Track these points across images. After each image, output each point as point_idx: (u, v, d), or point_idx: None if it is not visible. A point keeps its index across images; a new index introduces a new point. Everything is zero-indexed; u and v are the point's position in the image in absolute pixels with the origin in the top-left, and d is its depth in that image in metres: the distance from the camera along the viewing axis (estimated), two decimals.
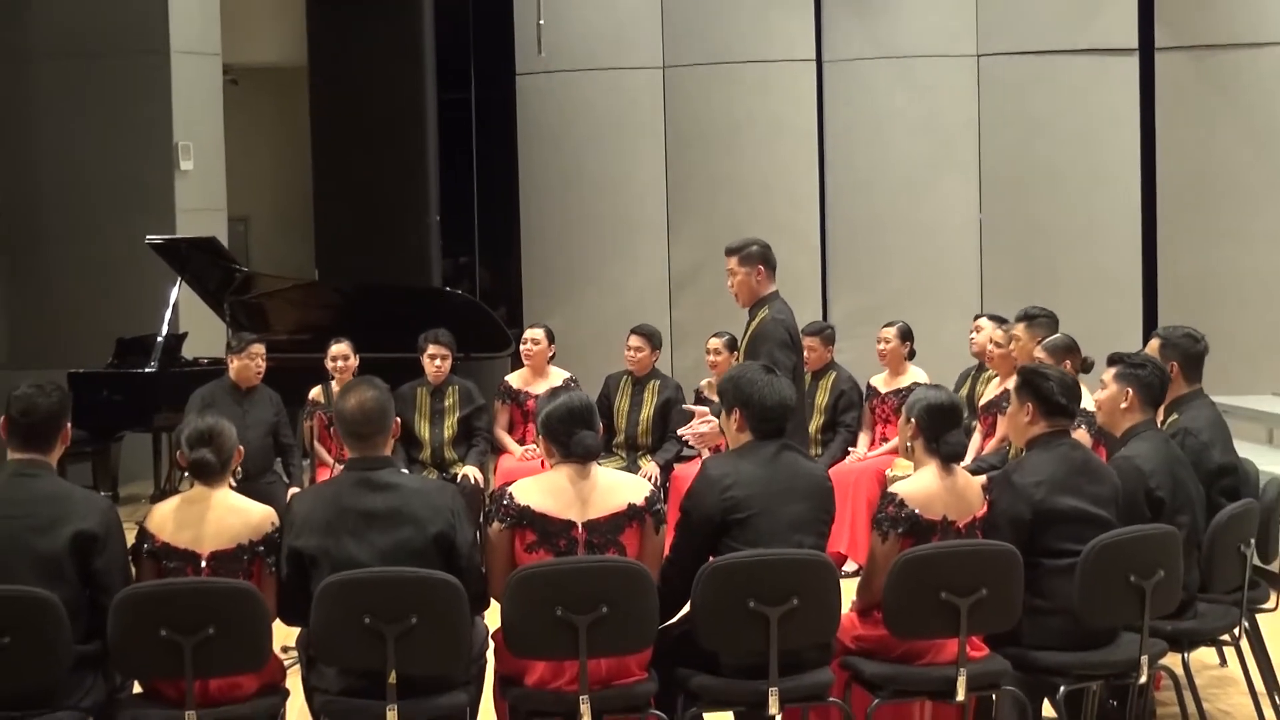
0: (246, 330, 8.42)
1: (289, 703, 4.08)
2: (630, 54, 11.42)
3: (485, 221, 12.49)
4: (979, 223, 11.20)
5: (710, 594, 3.89)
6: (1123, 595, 4.18)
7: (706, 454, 6.01)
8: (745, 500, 4.02)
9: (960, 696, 4.03)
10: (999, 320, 7.21)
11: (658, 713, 3.96)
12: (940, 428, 4.20)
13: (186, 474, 4.11)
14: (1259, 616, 5.11)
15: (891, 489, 4.23)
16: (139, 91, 10.62)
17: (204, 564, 3.91)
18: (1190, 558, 4.53)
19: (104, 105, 10.63)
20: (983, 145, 11.14)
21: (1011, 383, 4.89)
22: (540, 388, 7.63)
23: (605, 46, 11.42)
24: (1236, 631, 4.79)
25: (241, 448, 4.14)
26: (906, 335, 7.76)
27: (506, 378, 8.10)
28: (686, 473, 7.07)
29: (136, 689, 4.03)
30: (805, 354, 6.34)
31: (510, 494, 3.98)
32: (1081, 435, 5.39)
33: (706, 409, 5.61)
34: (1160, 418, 4.94)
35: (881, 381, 7.81)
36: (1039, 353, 6.06)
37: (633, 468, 7.59)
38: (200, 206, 10.87)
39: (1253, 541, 4.79)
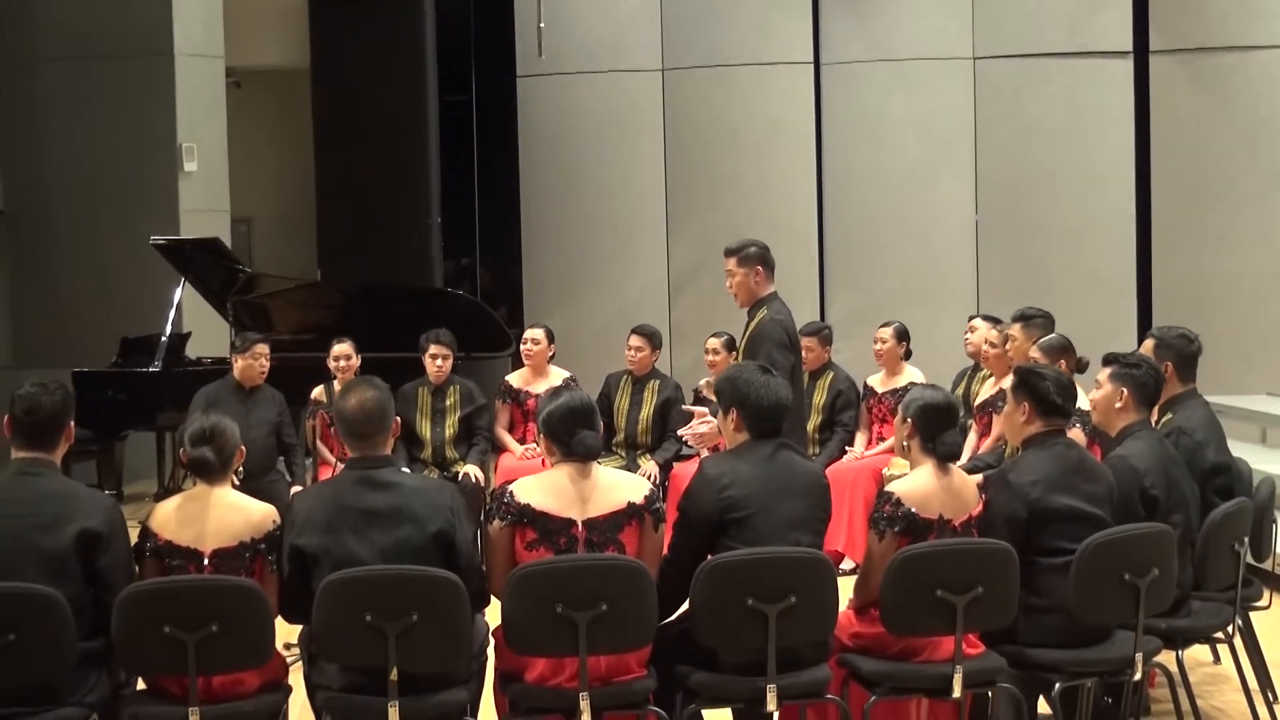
0: (250, 330, 8.41)
1: (291, 699, 4.08)
2: (630, 56, 11.41)
3: (486, 222, 12.49)
4: (975, 223, 11.20)
5: (709, 592, 3.89)
6: (1117, 593, 4.18)
7: (706, 453, 6.00)
8: (743, 500, 4.02)
9: (956, 693, 4.03)
10: (993, 320, 7.21)
11: (657, 709, 3.96)
12: (936, 427, 4.20)
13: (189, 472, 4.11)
14: (1252, 614, 5.12)
15: (888, 488, 4.23)
16: (143, 94, 10.62)
17: (206, 562, 3.91)
18: (1184, 556, 4.53)
19: (108, 107, 10.64)
20: (979, 147, 11.14)
21: (1007, 382, 4.89)
22: (540, 387, 7.64)
23: (605, 49, 11.42)
24: (1230, 629, 4.80)
25: (243, 447, 4.14)
26: (903, 335, 7.76)
27: (507, 377, 8.10)
28: (685, 471, 7.07)
29: (140, 685, 4.02)
30: (803, 354, 6.34)
31: (511, 492, 3.98)
32: (1077, 434, 5.39)
33: (705, 409, 5.60)
34: (1155, 417, 4.94)
35: (878, 381, 7.82)
36: (1034, 352, 6.06)
37: (632, 466, 7.59)
38: (204, 207, 10.87)
39: (1246, 540, 4.80)
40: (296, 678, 4.14)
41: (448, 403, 7.61)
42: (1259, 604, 5.07)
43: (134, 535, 4.01)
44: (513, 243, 11.84)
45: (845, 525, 7.26)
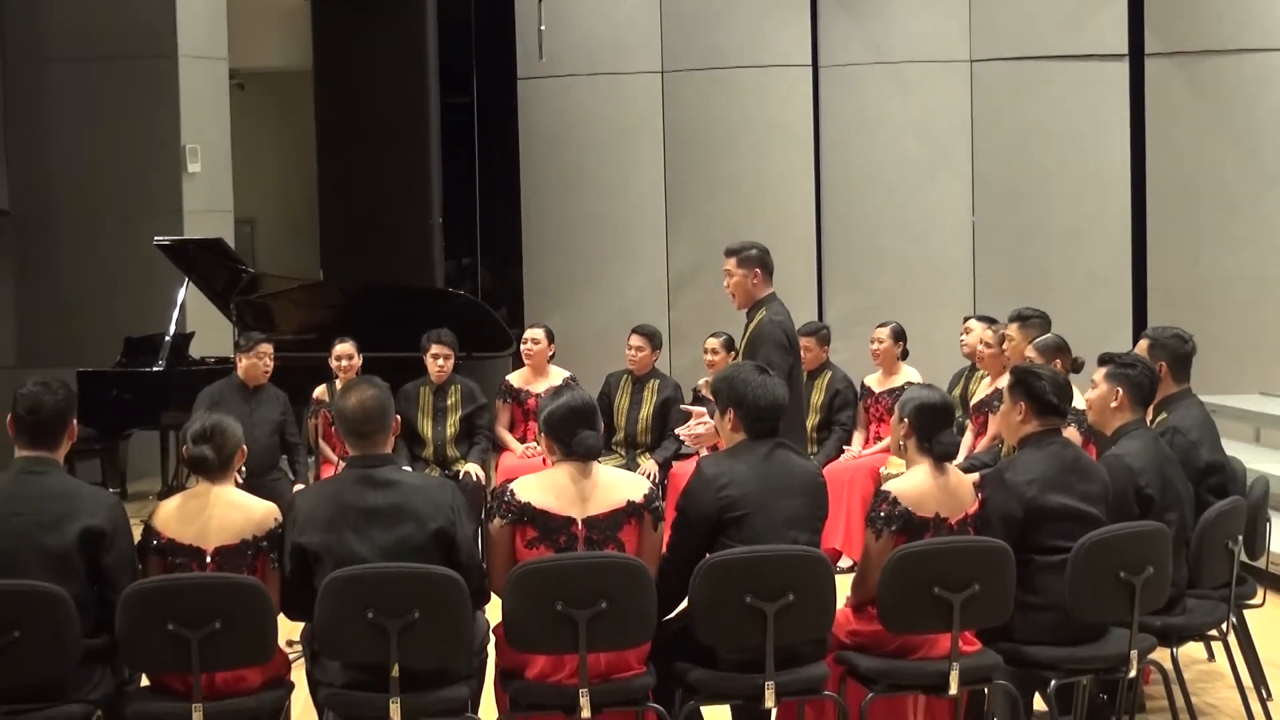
0: (253, 330, 8.41)
1: (294, 696, 4.08)
2: (630, 59, 11.41)
3: (487, 223, 12.49)
4: (972, 225, 11.20)
5: (708, 590, 3.89)
6: (1112, 591, 4.17)
7: (704, 452, 6.00)
8: (741, 499, 4.02)
9: (953, 690, 4.03)
10: (989, 321, 7.22)
11: (656, 706, 3.96)
12: (932, 427, 4.20)
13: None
14: (1246, 612, 5.13)
15: (884, 487, 4.23)
16: (147, 95, 10.63)
17: (209, 559, 3.91)
18: (1179, 554, 4.53)
19: (113, 109, 10.64)
20: (976, 148, 11.14)
21: (1003, 382, 4.89)
22: (541, 387, 7.64)
23: (605, 52, 11.42)
24: (1224, 627, 4.80)
25: (245, 447, 4.13)
26: (900, 335, 7.76)
27: (508, 377, 8.10)
28: (685, 470, 7.07)
29: (144, 682, 4.02)
30: (802, 354, 6.34)
31: (511, 491, 3.98)
32: (1072, 434, 5.39)
33: (703, 408, 5.60)
34: (1149, 417, 4.94)
35: (875, 381, 7.82)
36: (1030, 352, 6.06)
37: (632, 465, 7.59)
38: (207, 208, 10.87)
39: (1240, 538, 4.80)
40: (299, 674, 4.13)
41: (449, 402, 7.61)
42: (1253, 602, 5.07)
43: (137, 533, 4.01)
44: (513, 243, 11.84)
45: (843, 524, 7.26)
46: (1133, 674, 4.29)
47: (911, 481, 4.18)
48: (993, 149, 11.10)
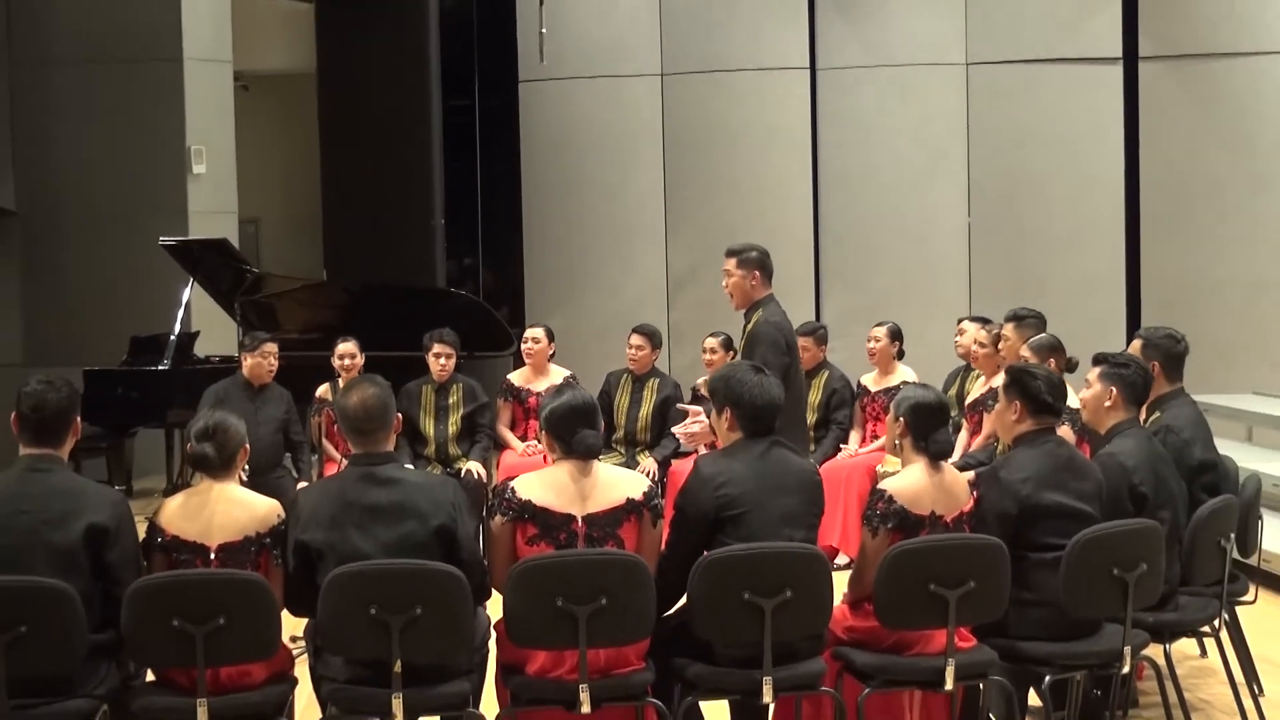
0: (257, 329, 8.41)
1: (297, 691, 4.09)
2: (630, 62, 11.41)
3: (489, 224, 12.48)
4: (967, 226, 11.20)
5: (706, 586, 3.90)
6: (1106, 588, 4.18)
7: (703, 450, 6.01)
8: (738, 497, 4.02)
9: (949, 686, 4.03)
10: (982, 321, 7.22)
11: (655, 701, 3.96)
12: (927, 426, 4.20)
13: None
14: (1238, 609, 5.13)
15: (880, 485, 4.23)
16: (153, 97, 10.62)
17: (213, 556, 3.91)
18: (1172, 551, 4.53)
19: (118, 110, 10.63)
20: (971, 151, 11.14)
21: (997, 381, 4.89)
22: (541, 385, 7.64)
23: (605, 55, 11.42)
24: (1216, 623, 4.80)
25: (248, 445, 4.13)
26: (896, 335, 7.77)
27: (509, 376, 8.10)
28: (684, 468, 7.07)
29: (149, 677, 4.03)
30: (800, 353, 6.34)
31: (512, 488, 3.98)
32: (1066, 432, 5.39)
33: (700, 407, 5.61)
34: (1143, 416, 4.94)
35: (871, 380, 7.82)
36: (1025, 351, 6.07)
37: (631, 463, 7.59)
38: (212, 209, 10.87)
39: (1232, 536, 4.81)
40: (302, 670, 4.14)
41: (451, 400, 7.61)
42: (1245, 599, 5.07)
43: (142, 530, 4.01)
44: (514, 244, 11.84)
45: (840, 521, 7.27)
46: (1126, 670, 4.30)
47: (907, 480, 4.19)
48: (988, 151, 11.11)
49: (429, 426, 7.56)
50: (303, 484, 7.13)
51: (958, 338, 7.43)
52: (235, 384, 7.45)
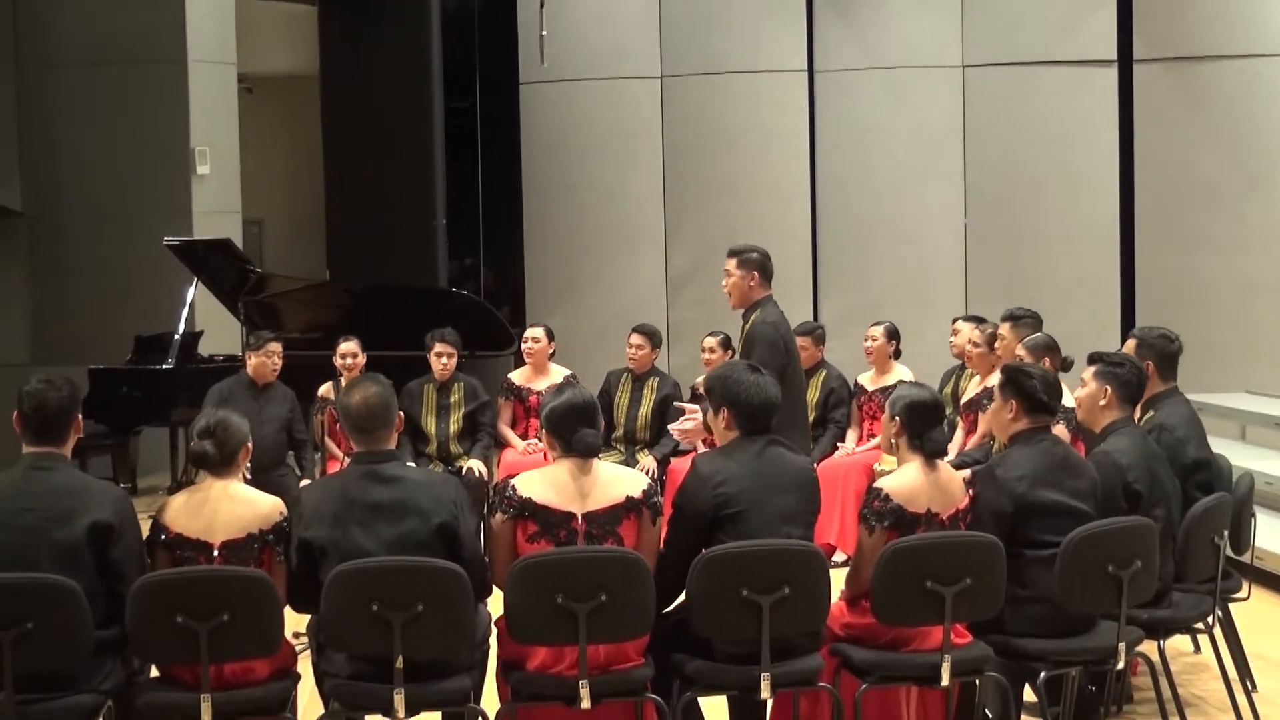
0: (261, 328, 8.41)
1: (300, 686, 4.08)
2: (629, 64, 11.41)
3: (490, 224, 12.48)
4: (964, 227, 11.20)
5: (705, 583, 3.89)
6: (1101, 585, 4.18)
7: (702, 448, 6.01)
8: (736, 496, 4.02)
9: (945, 682, 4.03)
10: (976, 320, 7.22)
11: (654, 697, 3.96)
12: (922, 424, 4.20)
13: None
14: (1231, 605, 5.13)
15: (876, 484, 4.22)
16: (157, 99, 10.61)
17: (216, 553, 3.91)
18: (1166, 549, 4.53)
19: (124, 112, 10.63)
20: (968, 152, 11.14)
21: (993, 380, 4.89)
22: (542, 384, 7.64)
23: (605, 57, 11.42)
24: (1210, 620, 4.80)
25: (250, 444, 4.12)
26: (893, 335, 7.77)
27: (509, 375, 8.09)
28: (683, 466, 7.05)
29: (154, 673, 4.02)
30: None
31: (513, 486, 3.98)
32: (1061, 431, 5.39)
33: (697, 406, 5.61)
34: (1137, 415, 4.94)
35: (868, 379, 7.81)
36: (1020, 351, 6.07)
37: (631, 461, 7.58)
38: (216, 209, 10.86)
39: (1226, 533, 4.80)
40: (305, 666, 4.14)
41: (452, 399, 7.61)
42: (1238, 595, 5.08)
43: (146, 528, 4.00)
44: (515, 244, 11.84)
45: (837, 519, 7.26)
46: (1120, 666, 4.30)
47: (903, 478, 4.18)
48: (984, 153, 11.11)
49: (431, 425, 7.55)
50: (306, 482, 7.12)
51: (952, 337, 7.43)
52: (239, 383, 7.45)
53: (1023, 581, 4.21)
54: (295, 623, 4.17)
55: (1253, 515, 5.22)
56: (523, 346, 7.96)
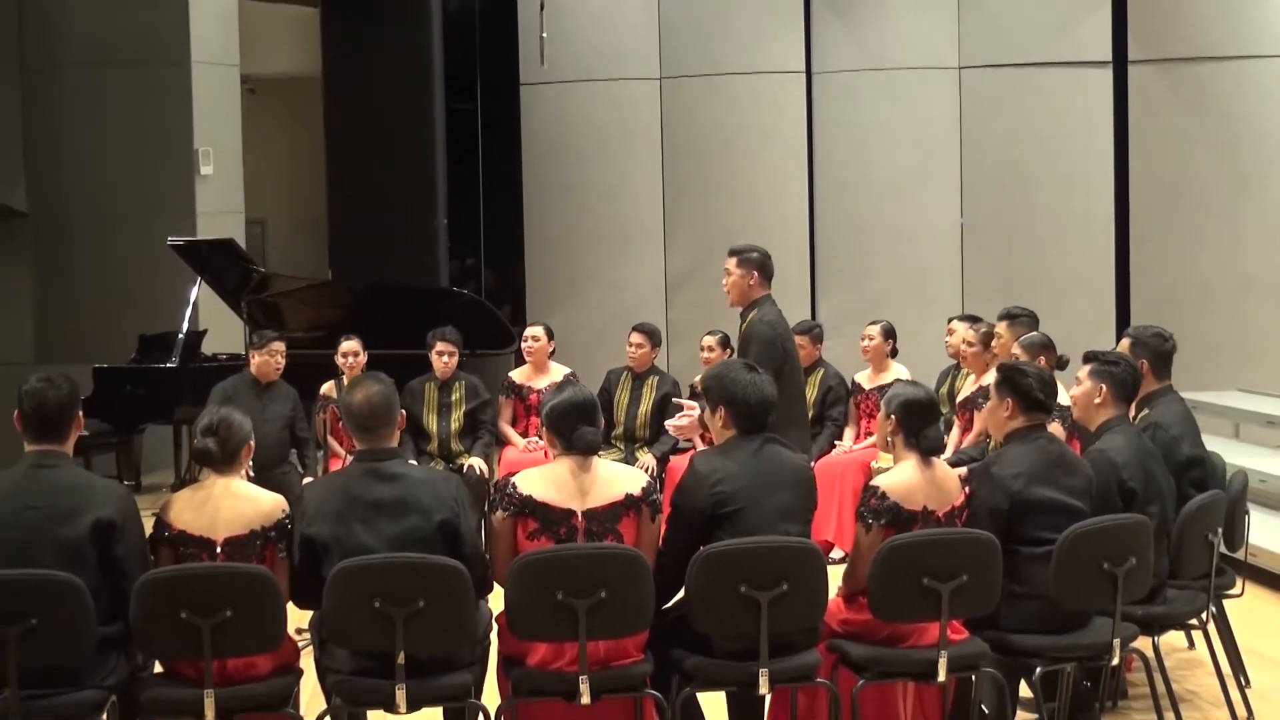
0: (264, 327, 8.40)
1: (303, 682, 4.08)
2: (629, 66, 11.41)
3: (490, 224, 12.48)
4: (960, 227, 11.20)
5: (704, 580, 3.89)
6: (1096, 581, 4.17)
7: (700, 445, 6.01)
8: (733, 494, 4.02)
9: (941, 677, 4.03)
10: (971, 319, 7.22)
11: (653, 692, 3.96)
12: (918, 422, 4.20)
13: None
14: (1225, 602, 5.13)
15: (873, 482, 4.22)
16: (161, 100, 10.61)
17: (219, 550, 3.91)
18: (1160, 546, 4.53)
19: (128, 113, 10.62)
20: (964, 153, 11.14)
21: (988, 379, 4.88)
22: (542, 383, 7.64)
23: (605, 59, 11.41)
24: (1204, 616, 4.80)
25: (252, 442, 4.12)
26: (890, 334, 7.77)
27: (510, 373, 8.09)
28: (682, 464, 7.03)
29: (157, 669, 4.02)
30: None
31: (513, 484, 3.98)
32: (1056, 429, 5.39)
33: (695, 403, 5.61)
34: (1132, 413, 4.94)
35: (865, 378, 7.82)
36: (1016, 349, 6.07)
37: (630, 459, 7.58)
38: (219, 209, 10.86)
39: (1219, 530, 4.80)
40: (308, 661, 4.14)
41: (453, 397, 7.60)
42: (1231, 592, 5.08)
43: (149, 525, 4.00)
44: (516, 244, 11.84)
45: (835, 516, 7.27)
46: (1115, 662, 4.30)
47: (899, 476, 4.18)
48: (981, 154, 11.10)
49: (432, 423, 7.55)
50: (308, 479, 7.12)
51: (948, 337, 7.43)
52: (243, 381, 7.44)
53: (1018, 578, 4.21)
54: (298, 619, 4.17)
55: (1246, 512, 5.22)
56: (523, 345, 7.96)
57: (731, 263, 5.74)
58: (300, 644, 4.19)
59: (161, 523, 3.96)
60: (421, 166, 12.60)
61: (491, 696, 4.10)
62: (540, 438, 4.36)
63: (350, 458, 4.19)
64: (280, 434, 7.36)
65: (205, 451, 4.00)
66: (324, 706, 3.97)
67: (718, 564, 3.89)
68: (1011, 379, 4.44)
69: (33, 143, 10.82)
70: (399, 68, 12.53)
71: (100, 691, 3.80)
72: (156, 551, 3.96)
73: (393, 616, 3.71)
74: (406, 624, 3.72)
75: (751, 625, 3.87)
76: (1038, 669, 4.19)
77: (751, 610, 3.86)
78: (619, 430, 7.84)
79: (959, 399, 7.09)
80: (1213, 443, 5.57)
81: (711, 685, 4.05)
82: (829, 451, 7.59)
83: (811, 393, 7.71)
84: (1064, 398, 5.30)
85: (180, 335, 9.09)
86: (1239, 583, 5.10)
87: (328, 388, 7.54)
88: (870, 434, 7.60)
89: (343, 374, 7.47)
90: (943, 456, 4.34)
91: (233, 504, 3.96)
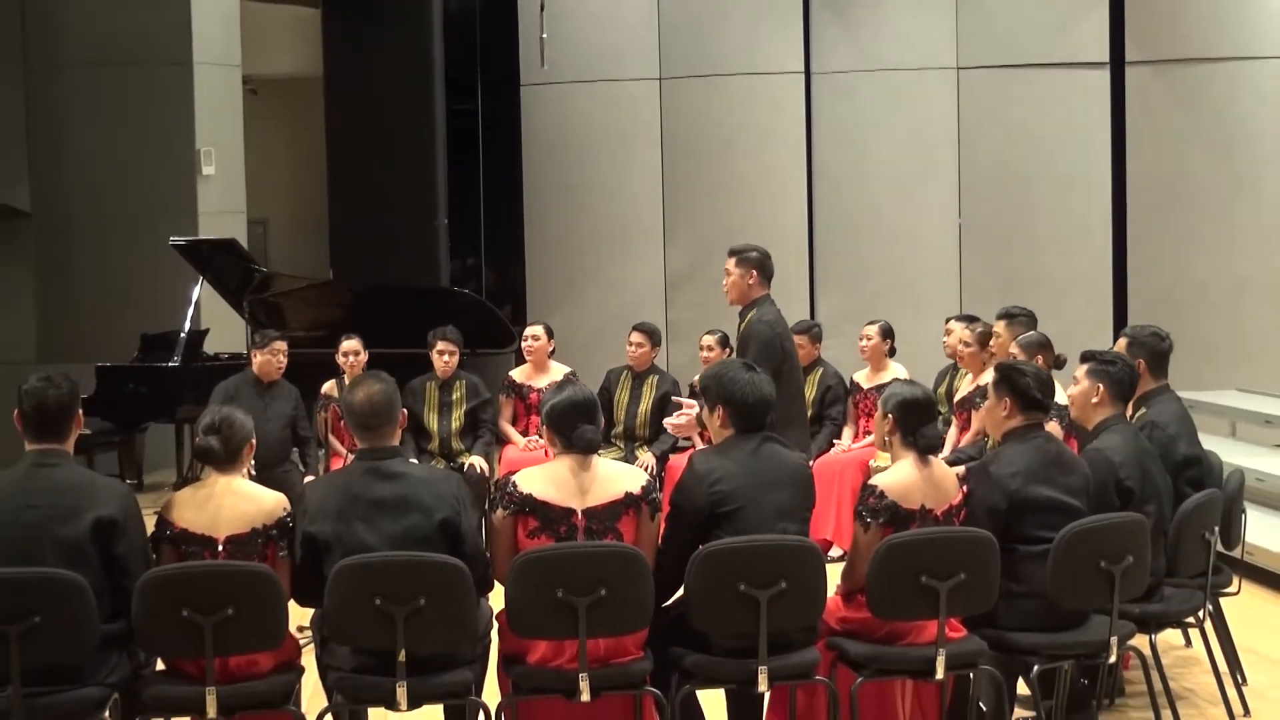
0: (265, 327, 8.40)
1: (304, 679, 4.08)
2: (629, 66, 11.41)
3: (491, 224, 12.48)
4: (958, 227, 11.20)
5: (703, 578, 3.89)
6: (1093, 580, 4.18)
7: (699, 444, 6.01)
8: (732, 494, 4.02)
9: (939, 675, 4.03)
10: (969, 319, 7.22)
11: (653, 690, 3.96)
12: (915, 421, 4.20)
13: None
14: (1222, 600, 5.13)
15: (871, 481, 4.22)
16: (163, 100, 10.61)
17: (220, 548, 3.91)
18: (1157, 544, 4.53)
19: (130, 113, 10.62)
20: (962, 153, 11.14)
21: (986, 378, 4.88)
22: (542, 382, 7.64)
23: (605, 59, 11.42)
24: (1201, 614, 4.80)
25: (254, 441, 4.12)
26: (888, 333, 7.77)
27: (510, 373, 8.09)
28: (681, 463, 7.03)
29: (159, 666, 4.02)
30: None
31: (514, 483, 3.98)
32: (1054, 428, 5.39)
33: (694, 402, 5.62)
34: (1129, 412, 4.94)
35: (864, 377, 7.82)
36: (1014, 348, 6.07)
37: (630, 458, 7.57)
38: (221, 209, 10.86)
39: (1216, 529, 4.81)
40: (309, 659, 4.14)
41: (454, 396, 7.60)
42: (1228, 590, 5.08)
43: (151, 524, 4.00)
44: (516, 244, 11.84)
45: (834, 514, 7.27)
46: (1113, 659, 4.30)
47: (897, 475, 4.18)
48: (978, 154, 11.11)
49: (433, 422, 7.55)
50: (310, 478, 7.12)
51: (945, 337, 7.43)
52: (245, 380, 7.44)
53: (1016, 577, 4.21)
54: (299, 616, 4.16)
55: (1243, 511, 5.22)
56: (523, 345, 7.95)
57: (731, 262, 5.75)
58: (302, 641, 4.19)
59: (163, 521, 3.96)
60: (422, 167, 12.61)
61: (492, 694, 4.10)
62: (540, 436, 4.36)
63: (351, 456, 4.18)
64: (282, 433, 7.35)
65: (207, 450, 4.00)
66: (325, 704, 3.96)
67: (717, 562, 3.89)
68: (1009, 378, 4.44)
69: (35, 143, 10.82)
70: (400, 68, 12.54)
71: (102, 689, 3.80)
72: (158, 550, 3.96)
73: (394, 614, 3.72)
74: (407, 622, 3.72)
75: (750, 623, 3.87)
76: (1035, 667, 4.19)
77: (750, 608, 3.86)
78: (619, 429, 7.84)
79: (957, 398, 7.09)
80: (1210, 442, 5.57)
81: (711, 683, 4.05)
82: (828, 450, 7.59)
83: (810, 392, 7.71)
84: (1061, 397, 5.30)
85: (182, 334, 9.08)
86: (1236, 581, 5.10)
87: (329, 387, 7.54)
88: (868, 433, 7.60)
89: (344, 373, 7.47)
90: (940, 455, 4.34)
91: (234, 502, 3.96)
